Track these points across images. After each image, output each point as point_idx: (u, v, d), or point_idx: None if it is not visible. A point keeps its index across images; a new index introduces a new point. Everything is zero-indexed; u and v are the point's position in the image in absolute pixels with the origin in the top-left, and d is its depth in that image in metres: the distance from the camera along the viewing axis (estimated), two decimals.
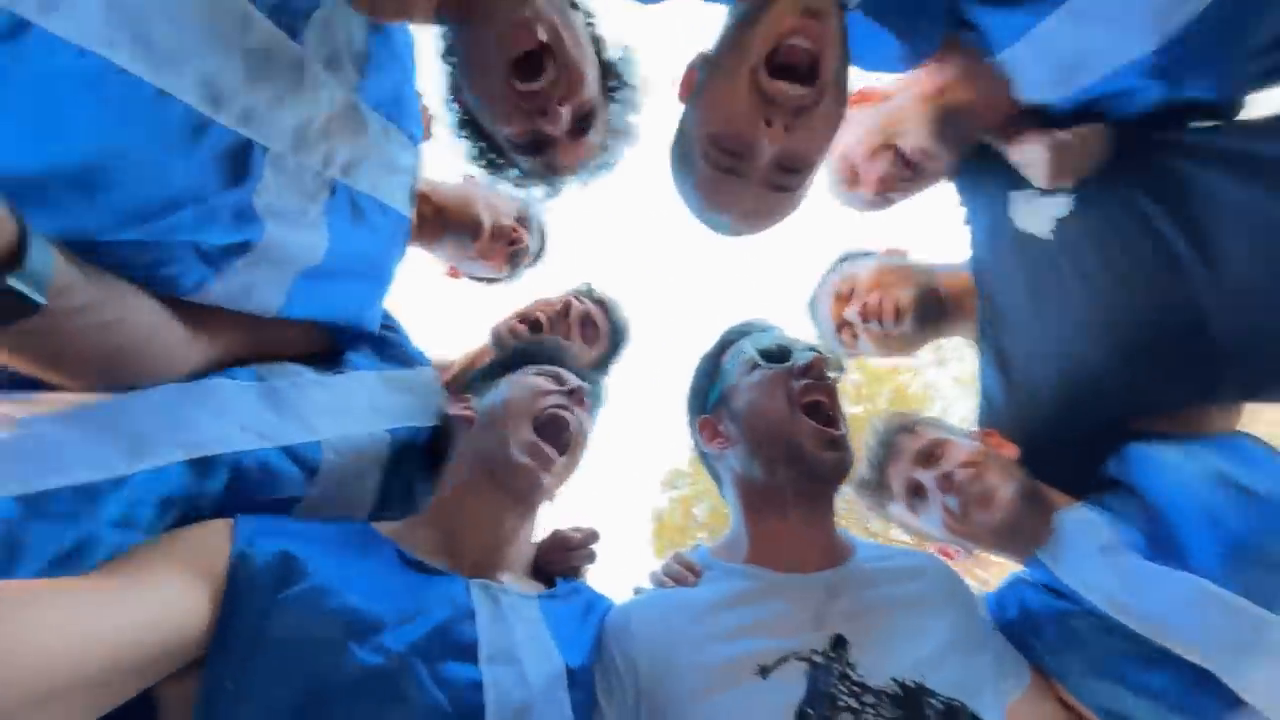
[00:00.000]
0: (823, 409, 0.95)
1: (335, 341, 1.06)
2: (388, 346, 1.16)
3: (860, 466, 1.21)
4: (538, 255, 1.55)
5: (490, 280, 1.53)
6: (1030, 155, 1.08)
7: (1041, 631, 1.00)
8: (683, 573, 0.98)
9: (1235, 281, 0.98)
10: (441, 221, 1.34)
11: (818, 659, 0.81)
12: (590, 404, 1.04)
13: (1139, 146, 1.06)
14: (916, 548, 1.17)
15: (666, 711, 0.82)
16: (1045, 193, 1.14)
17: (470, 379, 1.12)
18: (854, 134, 1.22)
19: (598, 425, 1.13)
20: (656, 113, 1.09)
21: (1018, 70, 1.02)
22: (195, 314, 0.83)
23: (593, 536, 1.08)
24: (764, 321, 1.15)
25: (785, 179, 0.89)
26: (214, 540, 0.70)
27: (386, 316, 1.20)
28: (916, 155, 1.16)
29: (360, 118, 0.90)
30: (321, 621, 0.67)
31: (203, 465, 0.75)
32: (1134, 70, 0.96)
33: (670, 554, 1.04)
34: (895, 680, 0.80)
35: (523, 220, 1.44)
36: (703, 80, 0.92)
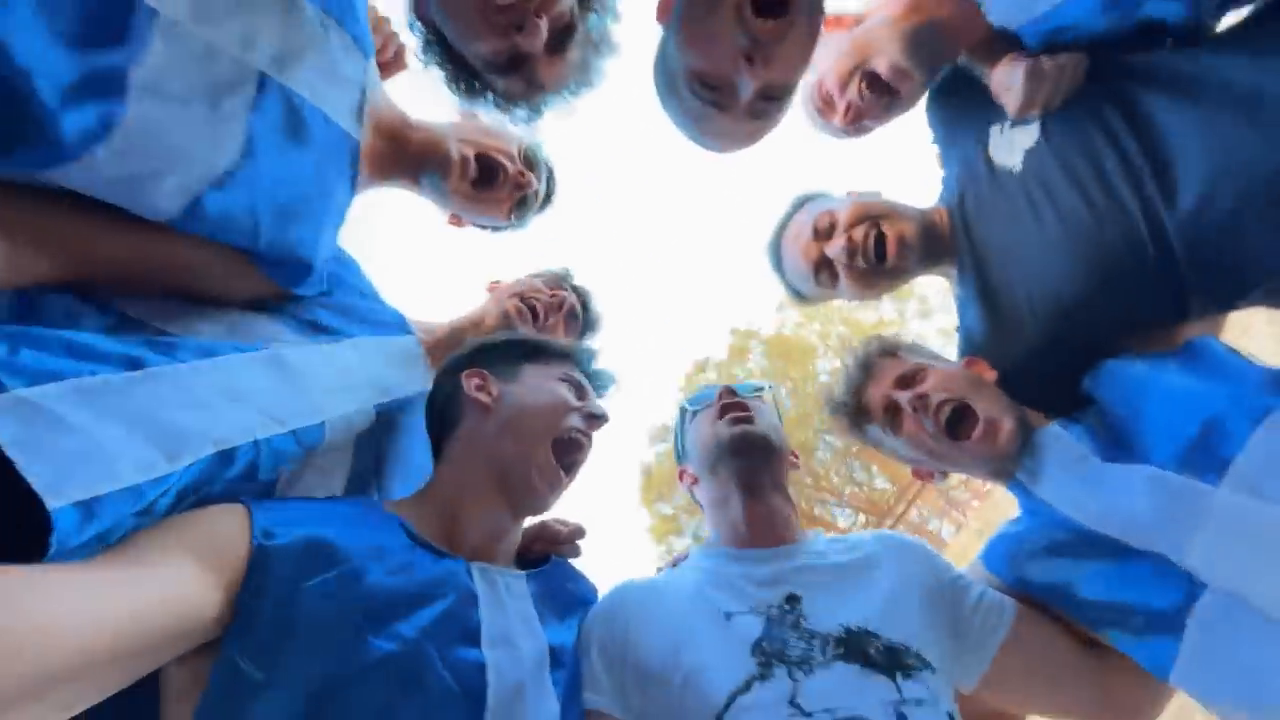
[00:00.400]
0: (733, 410, 1.12)
1: (286, 290, 0.99)
2: (359, 312, 1.11)
3: (836, 388, 1.23)
4: (546, 199, 1.41)
5: (496, 228, 1.40)
6: (1007, 79, 1.08)
7: (1029, 566, 1.02)
8: (676, 562, 1.14)
9: (1194, 200, 0.97)
10: (409, 156, 1.19)
11: (773, 612, 0.92)
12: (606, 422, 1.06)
13: (1104, 73, 1.06)
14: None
15: (649, 659, 0.90)
16: (1015, 124, 1.13)
17: (485, 353, 1.06)
18: (827, 60, 1.21)
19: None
20: (636, 22, 1.05)
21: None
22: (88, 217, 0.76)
23: (579, 532, 1.09)
24: (705, 389, 1.28)
25: (766, 106, 0.93)
26: (229, 527, 0.70)
27: (357, 276, 1.17)
28: (891, 75, 1.12)
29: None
30: (352, 605, 0.69)
31: (227, 455, 0.75)
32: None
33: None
34: (842, 625, 0.89)
35: (529, 161, 1.28)
36: (680, 8, 0.91)
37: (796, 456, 1.20)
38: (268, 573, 0.67)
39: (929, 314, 12.01)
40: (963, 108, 1.23)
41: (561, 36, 0.94)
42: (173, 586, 0.61)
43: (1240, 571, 0.79)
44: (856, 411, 1.19)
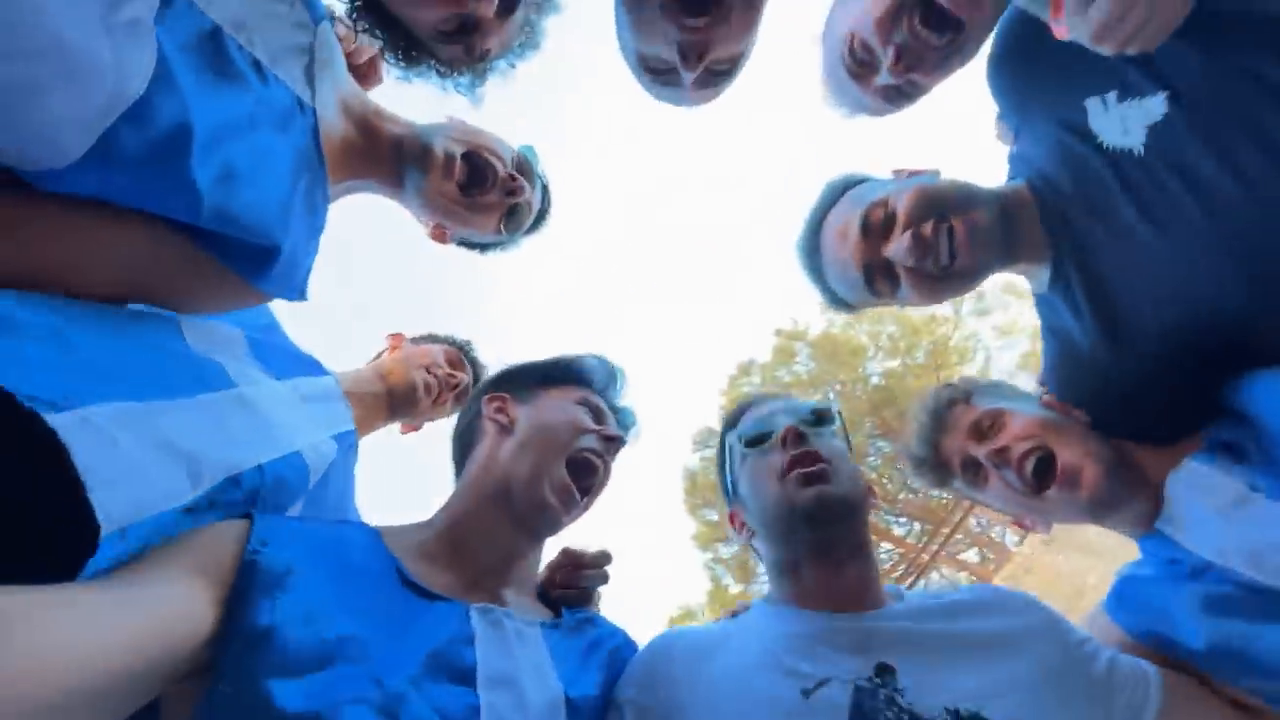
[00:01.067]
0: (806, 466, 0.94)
1: (256, 291, 0.91)
2: (288, 359, 1.10)
3: (911, 443, 1.12)
4: (540, 217, 1.30)
5: (484, 246, 1.30)
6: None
7: (1184, 628, 0.86)
8: (735, 613, 1.03)
9: None
10: (385, 148, 1.08)
11: (863, 684, 0.77)
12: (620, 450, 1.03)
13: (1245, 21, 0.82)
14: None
15: None
16: (1131, 93, 0.91)
17: (508, 378, 1.08)
18: (860, 5, 1.00)
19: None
20: None
21: None
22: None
23: (604, 557, 1.04)
24: (750, 400, 1.13)
25: (716, 79, 0.99)
26: (225, 541, 0.69)
27: (269, 321, 1.12)
28: None
29: None
30: (321, 642, 0.66)
31: (234, 479, 0.76)
32: None
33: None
34: (948, 709, 0.74)
35: (522, 169, 1.18)
36: None
37: (874, 494, 1.03)
38: (250, 588, 0.66)
39: (986, 312, 11.45)
40: (1038, 69, 1.00)
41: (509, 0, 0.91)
42: (170, 608, 0.60)
43: None
44: (937, 466, 1.09)
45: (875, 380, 11.95)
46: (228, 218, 0.75)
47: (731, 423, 1.10)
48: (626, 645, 0.99)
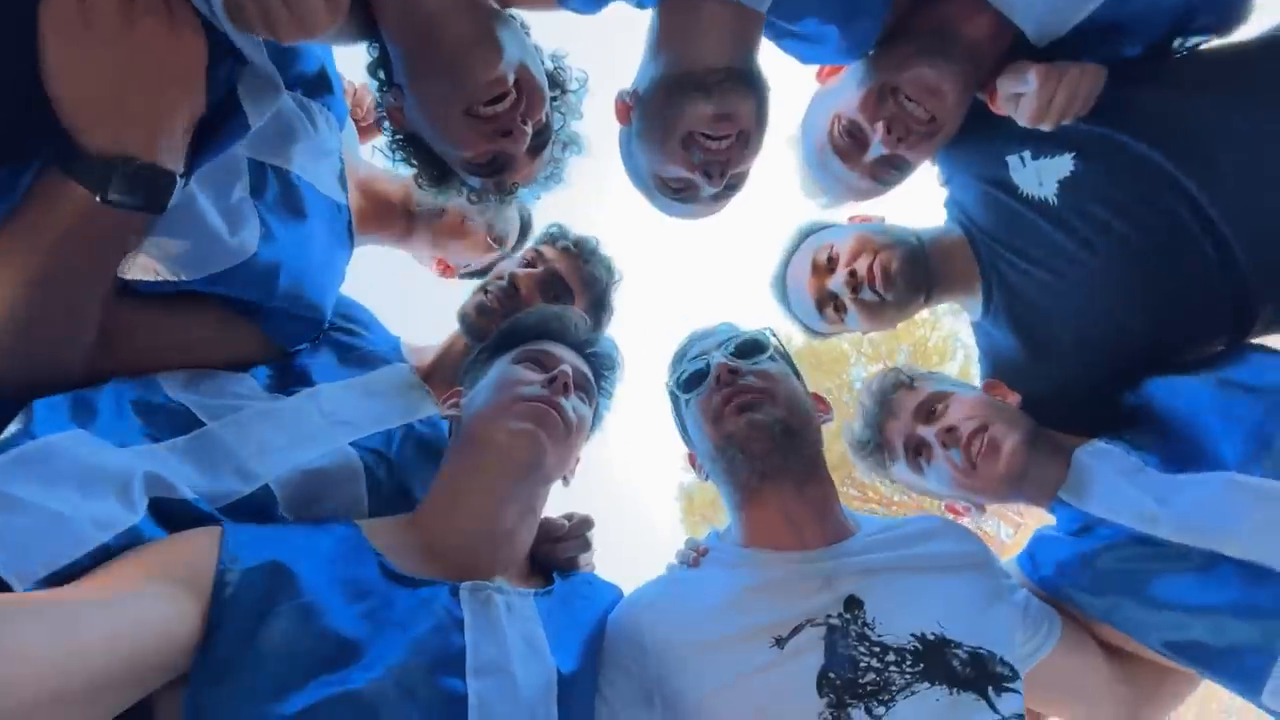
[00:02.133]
0: (739, 401, 0.94)
1: (282, 349, 1.04)
2: (347, 350, 1.12)
3: (855, 427, 1.19)
4: (523, 234, 1.43)
5: (484, 273, 1.40)
6: (1015, 84, 1.00)
7: (1080, 577, 0.99)
8: (690, 555, 0.99)
9: (1250, 208, 0.96)
10: (399, 210, 1.25)
11: (834, 621, 0.79)
12: (586, 385, 0.98)
13: (1124, 83, 1.01)
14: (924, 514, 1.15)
15: (684, 696, 0.79)
16: (1043, 153, 1.09)
17: (463, 369, 1.06)
18: (843, 95, 1.11)
19: (615, 390, 1.10)
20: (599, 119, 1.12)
21: (1012, 8, 0.99)
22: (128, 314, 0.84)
23: (584, 524, 1.03)
24: (687, 343, 1.12)
25: (728, 193, 1.10)
26: (200, 549, 0.68)
27: (347, 316, 1.17)
28: (917, 89, 1.02)
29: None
30: (305, 641, 0.65)
31: (159, 505, 0.73)
32: None
33: (686, 539, 1.05)
34: (914, 635, 0.78)
35: (495, 237, 1.35)
36: (639, 124, 1.07)
37: (826, 406, 1.05)
38: (227, 601, 0.65)
39: (962, 311, 11.71)
40: (965, 129, 1.14)
41: (539, 139, 0.99)
42: (150, 613, 0.60)
43: None
44: (879, 449, 1.15)
45: (859, 385, 12.09)
46: (291, 308, 0.97)
47: (672, 368, 1.10)
48: (604, 595, 0.97)
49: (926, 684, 0.73)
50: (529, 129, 0.93)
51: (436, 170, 1.01)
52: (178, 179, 0.69)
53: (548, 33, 1.04)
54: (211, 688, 0.61)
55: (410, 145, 1.00)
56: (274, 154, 0.91)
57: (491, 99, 0.88)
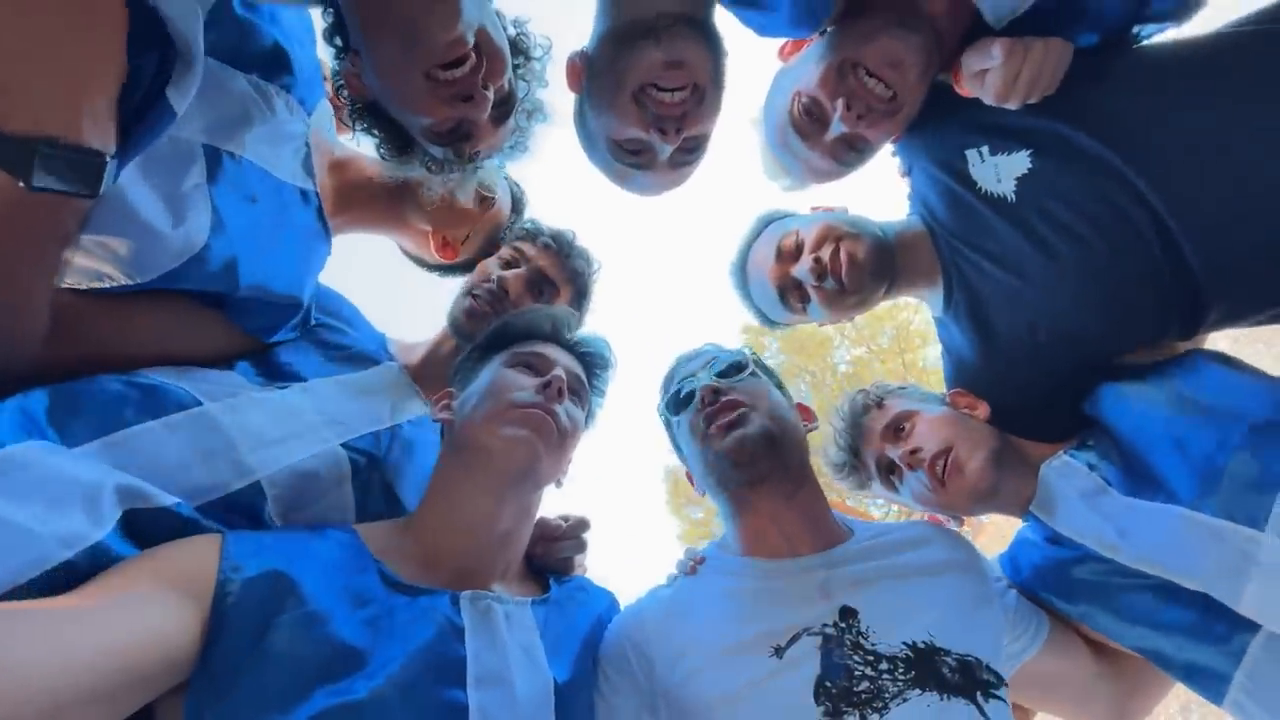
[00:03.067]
0: (723, 417, 0.98)
1: (257, 341, 1.02)
2: (334, 348, 1.10)
3: (830, 450, 1.20)
4: (516, 209, 1.39)
5: (483, 254, 1.35)
6: (980, 60, 0.97)
7: (1056, 584, 1.01)
8: (690, 564, 1.02)
9: (1200, 208, 0.96)
10: (382, 190, 1.20)
11: (829, 631, 0.82)
12: (579, 388, 0.97)
13: (1080, 79, 0.99)
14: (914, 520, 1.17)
15: (690, 704, 0.82)
16: (1000, 149, 1.07)
17: (454, 370, 1.05)
18: (803, 71, 1.08)
19: (608, 388, 1.10)
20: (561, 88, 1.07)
21: None
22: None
23: (581, 525, 1.04)
24: (674, 367, 1.16)
25: (686, 157, 1.01)
26: (200, 558, 0.68)
27: (331, 312, 1.15)
28: (879, 61, 0.99)
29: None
30: (309, 651, 0.65)
31: (135, 516, 0.71)
32: None
33: (684, 550, 1.07)
34: (906, 644, 0.81)
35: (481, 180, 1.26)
36: (589, 85, 0.98)
37: (810, 415, 1.09)
38: (228, 610, 0.65)
39: None
40: (925, 121, 1.13)
41: (503, 106, 0.97)
42: (149, 622, 0.60)
43: None
44: (856, 470, 1.17)
45: (844, 368, 12.23)
46: (257, 297, 0.96)
47: (662, 392, 1.14)
48: (611, 609, 0.99)
49: (918, 690, 0.76)
50: (490, 94, 0.91)
51: (398, 139, 0.99)
52: (108, 159, 0.64)
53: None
54: (214, 696, 0.61)
55: (370, 114, 0.96)
56: (226, 139, 0.88)
57: (450, 62, 0.85)
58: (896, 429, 1.11)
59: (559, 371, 0.92)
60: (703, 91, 0.94)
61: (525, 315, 1.06)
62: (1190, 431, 0.92)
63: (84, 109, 0.62)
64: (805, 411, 1.08)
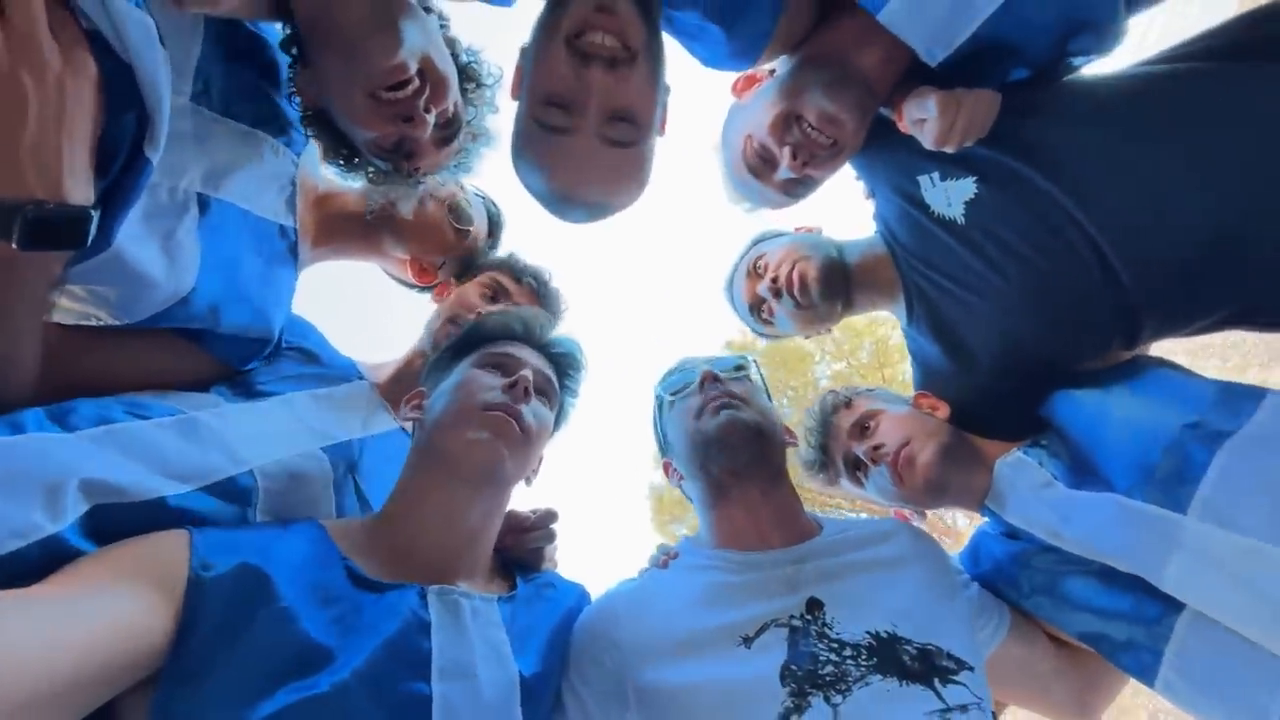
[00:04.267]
0: (719, 400, 1.05)
1: (232, 369, 1.06)
2: (305, 368, 1.14)
3: (803, 449, 1.27)
4: (493, 231, 1.45)
5: (461, 275, 1.40)
6: (918, 110, 1.06)
7: (1011, 576, 1.08)
8: (662, 558, 1.05)
9: (1126, 232, 1.04)
10: (358, 219, 1.25)
11: (796, 622, 0.86)
12: (547, 388, 0.99)
13: (1015, 112, 1.08)
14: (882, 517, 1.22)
15: (658, 691, 0.84)
16: (947, 176, 1.16)
17: (425, 370, 1.08)
18: (754, 114, 1.17)
19: (581, 389, 1.12)
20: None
21: (901, 28, 1.03)
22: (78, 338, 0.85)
23: (549, 516, 1.06)
24: (678, 362, 1.24)
25: (617, 130, 0.89)
26: (169, 552, 0.68)
27: (300, 349, 1.19)
28: (818, 120, 1.08)
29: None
30: (278, 648, 0.66)
31: (109, 512, 0.72)
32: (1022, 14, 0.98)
33: (658, 545, 1.10)
34: (869, 633, 0.85)
35: (454, 210, 1.34)
36: (527, 67, 0.95)
37: (792, 435, 1.17)
38: (199, 606, 0.65)
39: None
40: (882, 147, 1.22)
41: (447, 129, 1.01)
42: (123, 614, 0.60)
43: (1212, 596, 0.84)
44: (825, 467, 1.24)
45: (824, 383, 12.35)
46: (236, 331, 1.00)
47: (661, 381, 1.22)
48: (579, 606, 0.99)
49: (879, 676, 0.80)
50: (431, 117, 0.95)
51: (343, 149, 1.03)
52: (91, 212, 0.67)
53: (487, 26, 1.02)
54: (183, 691, 0.61)
55: (318, 122, 1.01)
56: (214, 186, 0.92)
57: (392, 85, 0.89)
58: (863, 427, 1.18)
59: (526, 372, 0.94)
60: (635, 54, 0.87)
61: (498, 315, 1.09)
62: (1129, 430, 0.99)
63: (64, 168, 0.64)
64: (788, 431, 1.16)
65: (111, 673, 0.58)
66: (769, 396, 1.16)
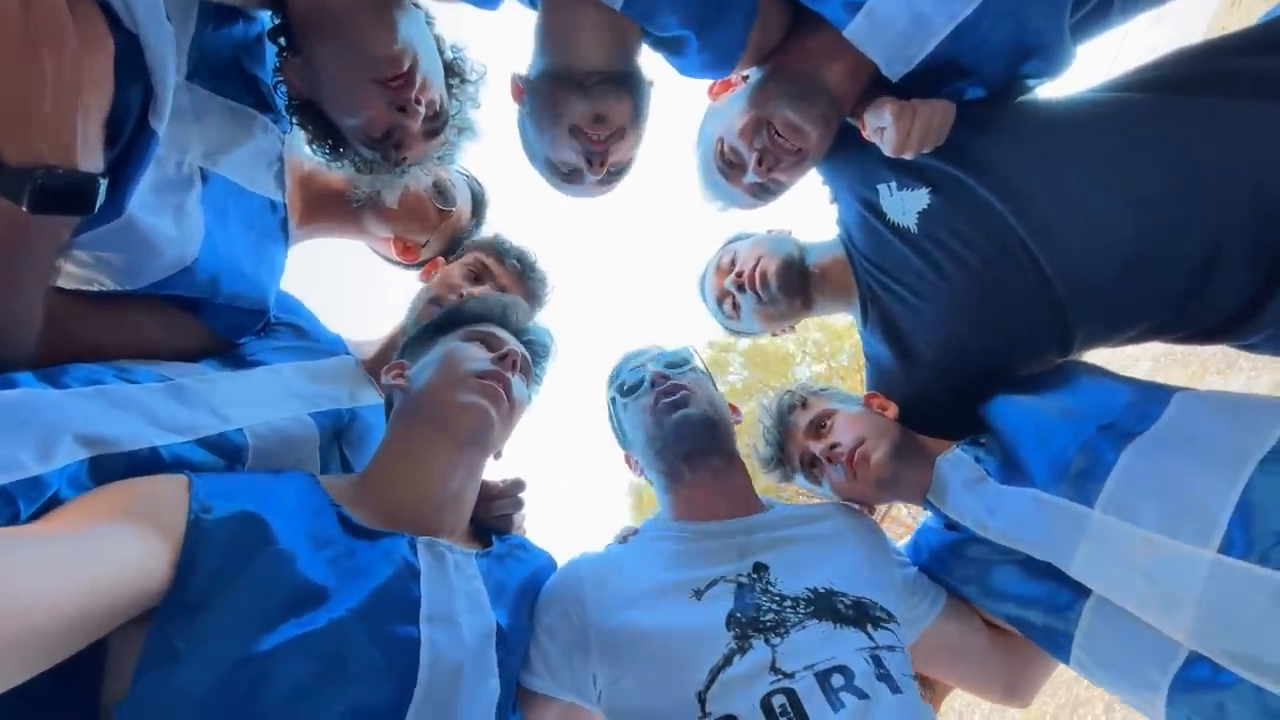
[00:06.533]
0: (670, 395, 1.13)
1: (227, 340, 1.09)
2: (294, 341, 1.18)
3: (759, 446, 1.34)
4: (477, 210, 1.50)
5: (447, 254, 1.46)
6: (876, 120, 1.13)
7: (946, 564, 1.16)
8: (624, 536, 1.15)
9: (1060, 246, 1.12)
10: (343, 197, 1.30)
11: (743, 580, 0.95)
12: (528, 368, 1.05)
13: (967, 128, 1.15)
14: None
15: (617, 635, 0.92)
16: (903, 186, 1.23)
17: (409, 344, 1.11)
18: (726, 118, 1.24)
19: (546, 379, 1.20)
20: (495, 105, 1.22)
21: (865, 43, 1.10)
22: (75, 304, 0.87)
23: (517, 485, 1.11)
24: (624, 360, 1.31)
25: (611, 178, 1.20)
26: (169, 495, 0.70)
27: (290, 324, 1.23)
28: (783, 128, 1.16)
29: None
30: (277, 588, 0.69)
31: (105, 462, 0.75)
32: (976, 36, 1.06)
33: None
34: (808, 589, 0.94)
35: (440, 188, 1.39)
36: (530, 107, 1.15)
37: (738, 412, 1.24)
38: (200, 547, 0.67)
39: None
40: (843, 155, 1.29)
41: (434, 121, 1.07)
42: (126, 554, 0.62)
43: (1113, 583, 0.91)
44: (781, 464, 1.31)
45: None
46: (232, 303, 1.04)
47: (611, 381, 1.28)
48: (547, 567, 1.06)
49: (815, 620, 0.88)
50: (422, 109, 1.01)
51: (330, 138, 1.07)
52: (100, 179, 0.70)
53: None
54: (182, 626, 0.63)
55: (304, 111, 1.05)
56: (213, 161, 0.96)
57: (389, 75, 0.95)
58: (819, 426, 1.25)
59: (515, 346, 1.02)
60: (623, 130, 1.12)
61: (480, 299, 1.16)
62: (1052, 430, 1.06)
63: (77, 136, 0.66)
64: (733, 409, 1.24)
65: (113, 610, 0.60)
66: (713, 382, 1.24)
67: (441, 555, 0.85)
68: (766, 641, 0.86)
